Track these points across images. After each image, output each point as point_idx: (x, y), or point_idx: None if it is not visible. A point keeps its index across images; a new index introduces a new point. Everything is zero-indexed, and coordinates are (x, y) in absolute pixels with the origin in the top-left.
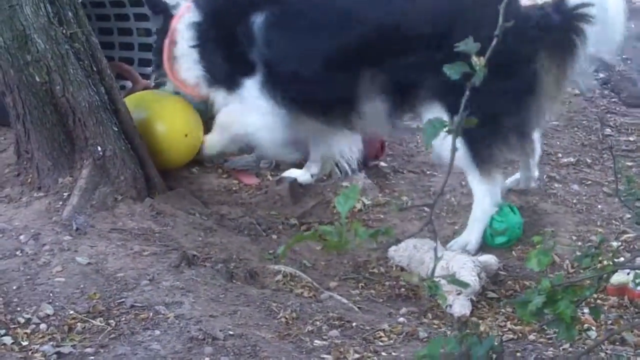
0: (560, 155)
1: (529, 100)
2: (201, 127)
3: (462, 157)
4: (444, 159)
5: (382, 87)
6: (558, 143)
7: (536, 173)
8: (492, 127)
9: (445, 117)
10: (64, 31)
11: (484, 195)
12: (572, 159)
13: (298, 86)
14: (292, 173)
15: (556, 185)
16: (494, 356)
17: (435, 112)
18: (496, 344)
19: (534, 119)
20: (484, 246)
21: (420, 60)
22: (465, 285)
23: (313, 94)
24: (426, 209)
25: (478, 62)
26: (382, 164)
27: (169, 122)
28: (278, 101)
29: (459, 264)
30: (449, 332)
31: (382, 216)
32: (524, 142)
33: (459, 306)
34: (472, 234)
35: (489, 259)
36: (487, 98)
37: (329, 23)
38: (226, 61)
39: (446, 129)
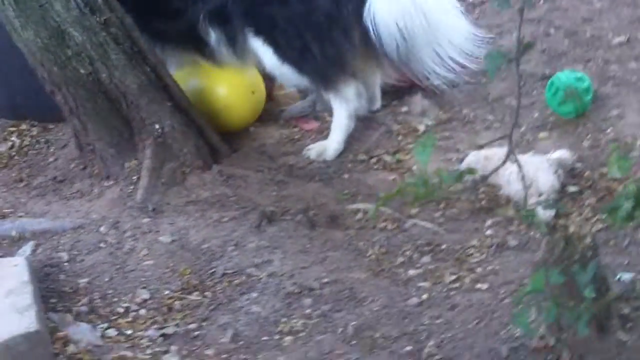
0: (610, 36)
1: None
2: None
3: (304, 81)
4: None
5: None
6: (606, 24)
7: (378, 93)
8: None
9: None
10: (98, 19)
11: (339, 107)
12: (623, 38)
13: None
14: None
15: (612, 67)
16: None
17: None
18: (589, 241)
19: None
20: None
21: None
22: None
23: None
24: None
25: None
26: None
27: (234, 83)
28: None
29: (534, 166)
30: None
31: (447, 134)
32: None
33: (543, 207)
34: (330, 142)
35: (563, 154)
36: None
37: None
38: None
39: (506, 58)
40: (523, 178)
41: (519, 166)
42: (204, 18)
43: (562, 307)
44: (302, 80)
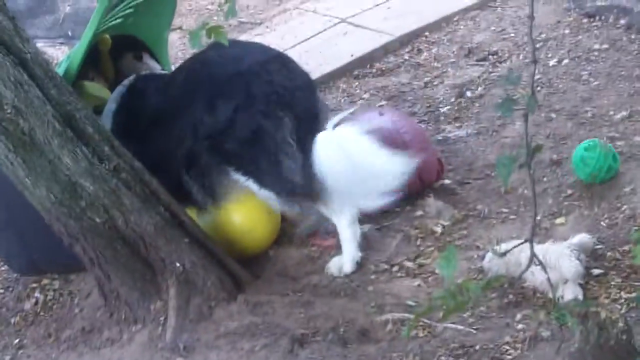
0: (612, 112)
1: None
2: None
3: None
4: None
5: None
6: (606, 101)
7: None
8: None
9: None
10: (107, 167)
11: (337, 219)
12: (625, 113)
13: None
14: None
15: (618, 143)
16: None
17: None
18: (622, 324)
19: None
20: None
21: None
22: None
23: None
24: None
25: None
26: (446, 180)
27: (248, 207)
28: None
29: (556, 254)
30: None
31: (465, 232)
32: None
33: (571, 294)
34: (345, 254)
35: (582, 237)
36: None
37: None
38: None
39: (517, 163)
40: (549, 280)
41: (544, 269)
42: (183, 169)
43: None
44: (288, 204)
